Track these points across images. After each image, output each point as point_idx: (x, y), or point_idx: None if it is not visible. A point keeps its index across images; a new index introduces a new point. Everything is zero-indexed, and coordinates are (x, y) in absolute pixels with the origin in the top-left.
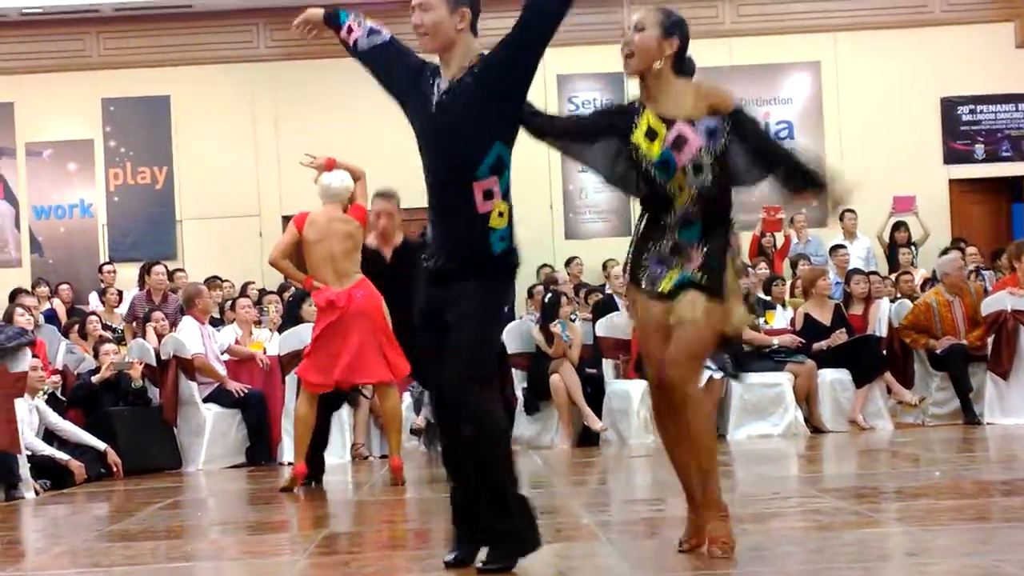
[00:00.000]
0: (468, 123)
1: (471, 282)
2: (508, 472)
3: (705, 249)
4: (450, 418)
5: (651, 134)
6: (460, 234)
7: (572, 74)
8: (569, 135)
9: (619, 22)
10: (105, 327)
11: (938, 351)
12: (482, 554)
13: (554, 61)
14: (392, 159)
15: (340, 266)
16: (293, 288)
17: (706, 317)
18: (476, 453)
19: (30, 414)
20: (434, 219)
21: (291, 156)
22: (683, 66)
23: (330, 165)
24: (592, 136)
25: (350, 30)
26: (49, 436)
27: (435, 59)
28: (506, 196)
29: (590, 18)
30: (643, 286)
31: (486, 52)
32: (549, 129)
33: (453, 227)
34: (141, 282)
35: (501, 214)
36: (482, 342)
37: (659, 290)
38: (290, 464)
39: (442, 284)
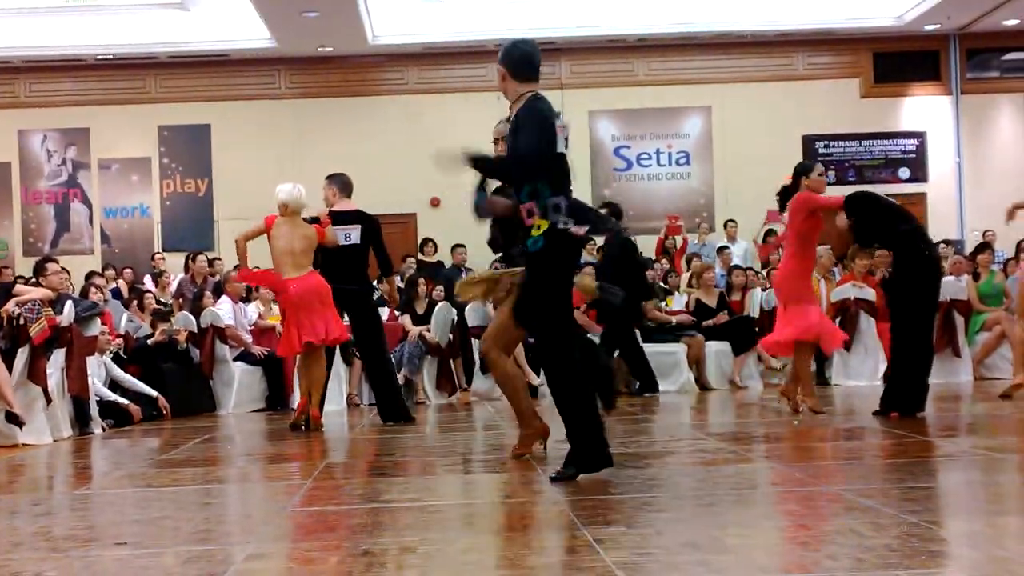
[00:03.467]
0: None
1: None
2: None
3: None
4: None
5: None
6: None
7: None
8: None
9: (556, 72)
10: (158, 302)
11: None
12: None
13: (507, 102)
14: (380, 174)
15: (298, 260)
16: None
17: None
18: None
19: (99, 368)
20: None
21: (305, 171)
22: None
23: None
24: None
25: None
26: (114, 385)
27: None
28: (545, 215)
29: None
30: None
31: (526, 99)
32: None
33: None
34: (186, 267)
35: (539, 227)
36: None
37: None
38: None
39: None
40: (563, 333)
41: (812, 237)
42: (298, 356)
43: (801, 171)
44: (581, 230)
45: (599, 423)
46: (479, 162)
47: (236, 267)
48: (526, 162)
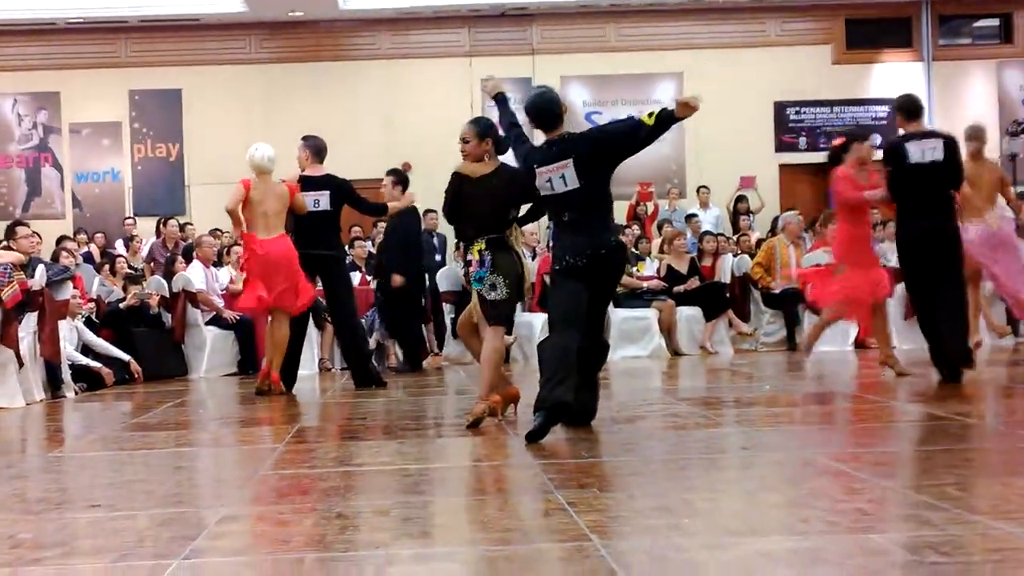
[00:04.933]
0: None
1: None
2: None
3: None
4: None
5: None
6: None
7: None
8: None
9: (527, 38)
10: (130, 267)
11: (776, 291)
12: None
13: (478, 67)
14: (351, 137)
15: (271, 221)
16: None
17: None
18: None
19: (71, 332)
20: None
21: (275, 136)
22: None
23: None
24: None
25: None
26: (85, 349)
27: None
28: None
29: (506, 34)
30: None
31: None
32: None
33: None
34: (158, 232)
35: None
36: None
37: None
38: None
39: None
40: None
41: (863, 206)
42: (269, 320)
43: (852, 138)
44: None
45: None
46: (502, 104)
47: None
48: (517, 153)
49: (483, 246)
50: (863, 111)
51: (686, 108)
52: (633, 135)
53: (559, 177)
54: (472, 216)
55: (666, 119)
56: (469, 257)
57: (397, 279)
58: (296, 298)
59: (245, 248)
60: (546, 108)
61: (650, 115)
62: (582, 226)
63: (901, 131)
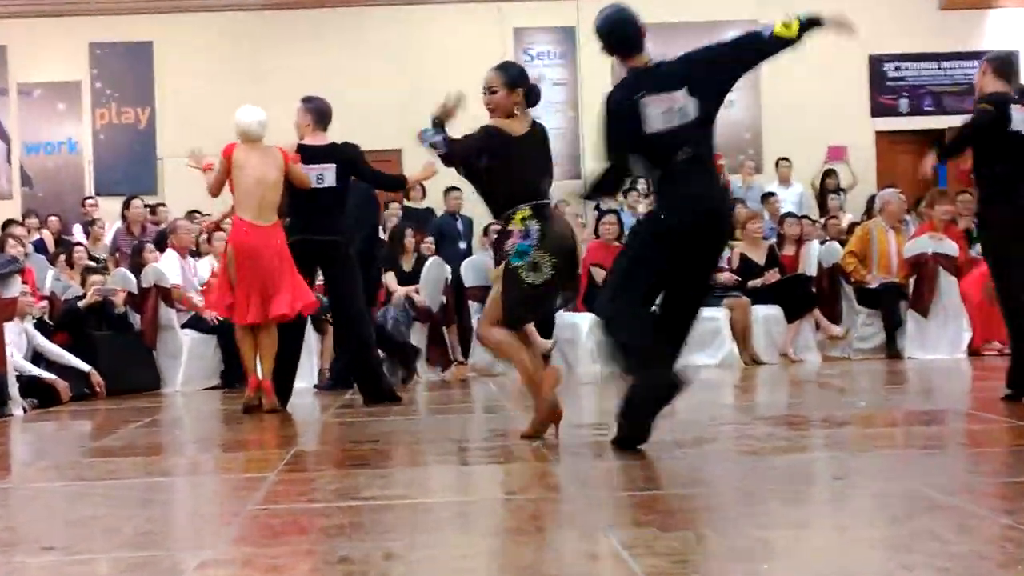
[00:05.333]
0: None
1: None
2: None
3: None
4: None
5: None
6: None
7: (528, 27)
8: None
9: None
10: (90, 257)
11: (872, 286)
12: None
13: (512, 15)
14: (359, 100)
15: (266, 196)
16: None
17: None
18: None
19: (19, 337)
20: None
21: (268, 99)
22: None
23: (208, 167)
24: None
25: None
26: (37, 358)
27: None
28: None
29: None
30: None
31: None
32: None
33: None
34: (123, 216)
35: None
36: None
37: None
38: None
39: None
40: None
41: None
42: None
43: None
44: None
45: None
46: None
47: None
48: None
49: (528, 213)
50: (977, 67)
51: (841, 27)
52: (753, 48)
53: (675, 109)
54: (515, 180)
55: (808, 27)
56: (510, 227)
57: None
58: (291, 301)
59: (233, 236)
60: (625, 28)
61: (786, 25)
62: (698, 173)
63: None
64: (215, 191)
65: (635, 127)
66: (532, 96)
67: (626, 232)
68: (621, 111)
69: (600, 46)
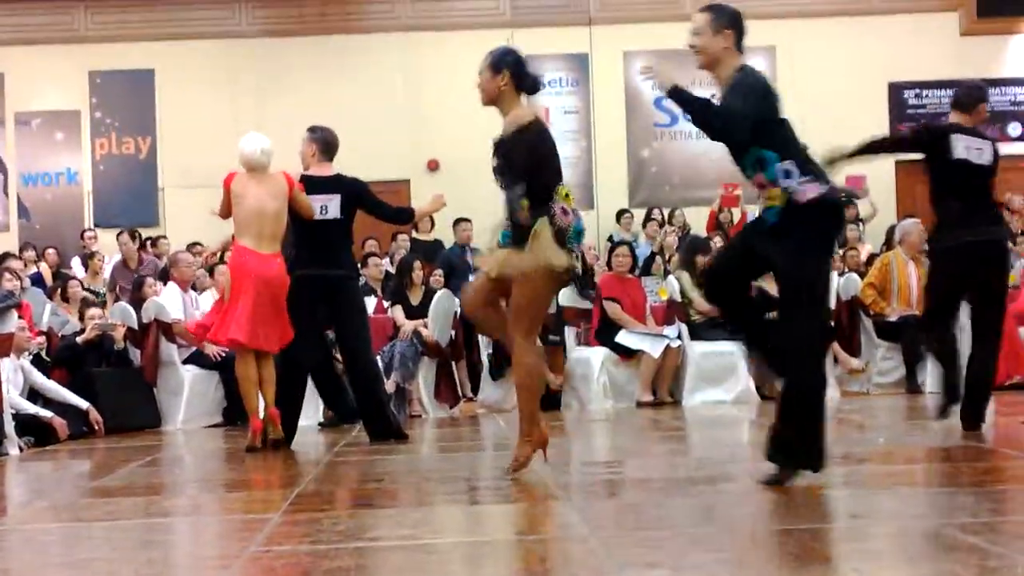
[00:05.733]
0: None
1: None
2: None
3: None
4: None
5: None
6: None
7: (539, 55)
8: None
9: (583, 5)
10: (89, 291)
11: (892, 319)
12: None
13: (523, 40)
14: (365, 130)
15: (267, 226)
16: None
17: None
18: None
19: (15, 373)
20: None
21: (270, 128)
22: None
23: None
24: None
25: None
26: (33, 395)
27: None
28: (775, 183)
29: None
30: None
31: (745, 67)
32: None
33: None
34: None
35: (773, 197)
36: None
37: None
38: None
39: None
40: (817, 318)
41: None
42: (237, 357)
43: None
44: (813, 192)
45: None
46: (681, 95)
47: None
48: (730, 119)
49: (568, 190)
50: (999, 93)
51: None
52: None
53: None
54: (554, 171)
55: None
56: (562, 205)
57: None
58: (280, 336)
59: (232, 261)
60: None
61: None
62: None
63: None
64: (223, 214)
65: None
66: (524, 81)
67: (639, 264)
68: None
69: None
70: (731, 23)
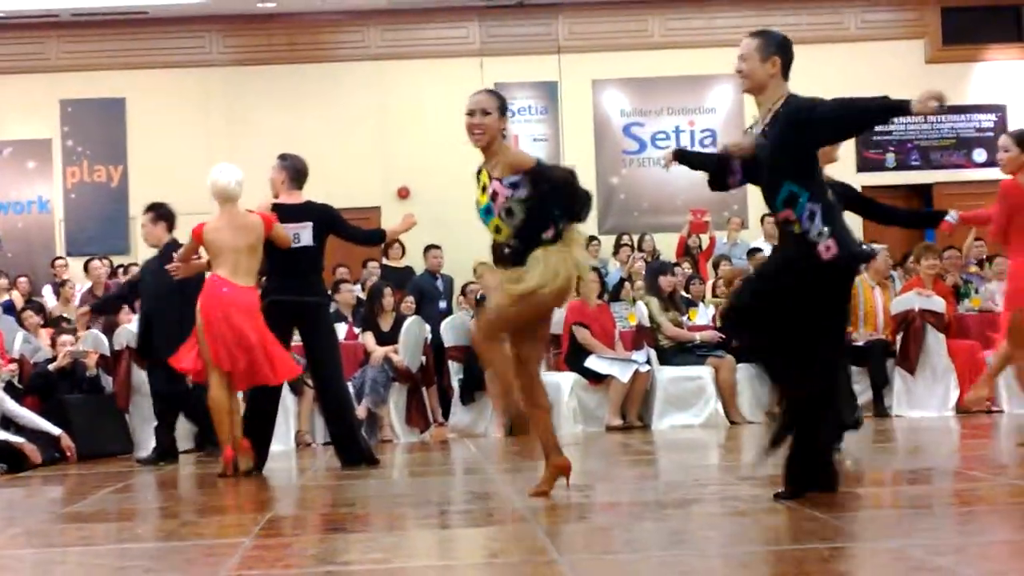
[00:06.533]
0: (767, 164)
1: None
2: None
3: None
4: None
5: (483, 188)
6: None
7: (509, 83)
8: None
9: (552, 34)
10: (61, 319)
11: (858, 343)
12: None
13: (492, 69)
14: (335, 158)
15: (241, 262)
16: None
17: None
18: None
19: None
20: None
21: (242, 156)
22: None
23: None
24: None
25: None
26: (6, 422)
27: None
28: (800, 223)
29: (526, 29)
30: None
31: (791, 99)
32: None
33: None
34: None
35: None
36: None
37: None
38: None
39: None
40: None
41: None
42: (208, 384)
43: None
44: (829, 252)
45: (830, 448)
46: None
47: None
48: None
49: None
50: (964, 120)
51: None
52: None
53: None
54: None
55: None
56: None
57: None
58: (272, 368)
59: (203, 295)
60: None
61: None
62: None
63: None
64: (184, 271)
65: None
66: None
67: (609, 290)
68: None
69: None
70: (779, 50)
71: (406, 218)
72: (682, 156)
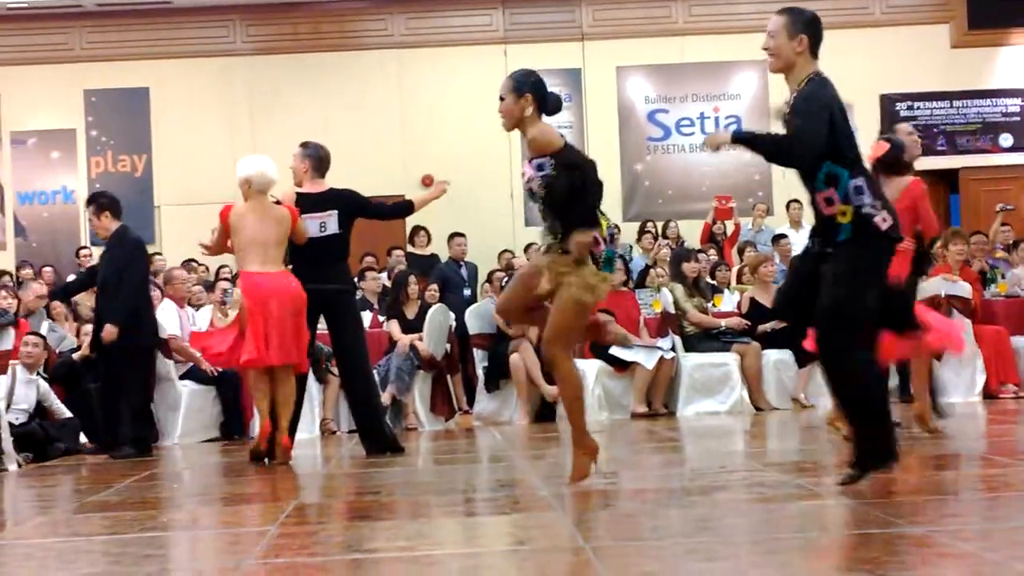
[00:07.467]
0: None
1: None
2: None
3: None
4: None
5: None
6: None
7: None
8: None
9: (576, 21)
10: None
11: None
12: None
13: (516, 56)
14: (359, 146)
15: (270, 252)
16: None
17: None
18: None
19: (27, 387)
20: None
21: (265, 145)
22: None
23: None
24: None
25: None
26: (34, 413)
27: None
28: (847, 200)
29: (549, 16)
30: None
31: (814, 77)
32: None
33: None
34: None
35: (844, 213)
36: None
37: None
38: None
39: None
40: (867, 334)
41: None
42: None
43: None
44: (886, 223)
45: (888, 419)
46: (745, 140)
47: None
48: (804, 146)
49: (608, 221)
50: (990, 104)
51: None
52: None
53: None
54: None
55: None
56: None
57: (110, 331)
58: (301, 352)
59: (243, 286)
60: None
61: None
62: None
63: None
64: (214, 252)
65: None
66: (546, 104)
67: (633, 277)
68: None
69: None
70: (807, 28)
71: (438, 184)
72: (743, 140)
